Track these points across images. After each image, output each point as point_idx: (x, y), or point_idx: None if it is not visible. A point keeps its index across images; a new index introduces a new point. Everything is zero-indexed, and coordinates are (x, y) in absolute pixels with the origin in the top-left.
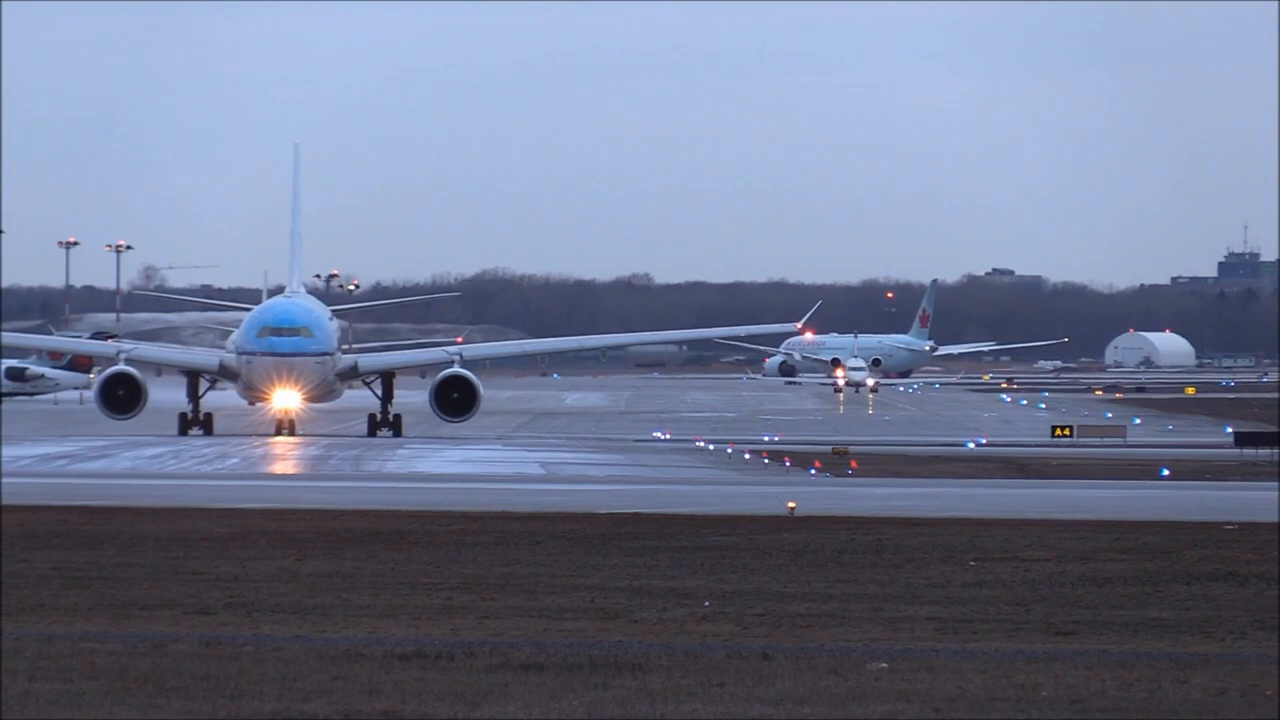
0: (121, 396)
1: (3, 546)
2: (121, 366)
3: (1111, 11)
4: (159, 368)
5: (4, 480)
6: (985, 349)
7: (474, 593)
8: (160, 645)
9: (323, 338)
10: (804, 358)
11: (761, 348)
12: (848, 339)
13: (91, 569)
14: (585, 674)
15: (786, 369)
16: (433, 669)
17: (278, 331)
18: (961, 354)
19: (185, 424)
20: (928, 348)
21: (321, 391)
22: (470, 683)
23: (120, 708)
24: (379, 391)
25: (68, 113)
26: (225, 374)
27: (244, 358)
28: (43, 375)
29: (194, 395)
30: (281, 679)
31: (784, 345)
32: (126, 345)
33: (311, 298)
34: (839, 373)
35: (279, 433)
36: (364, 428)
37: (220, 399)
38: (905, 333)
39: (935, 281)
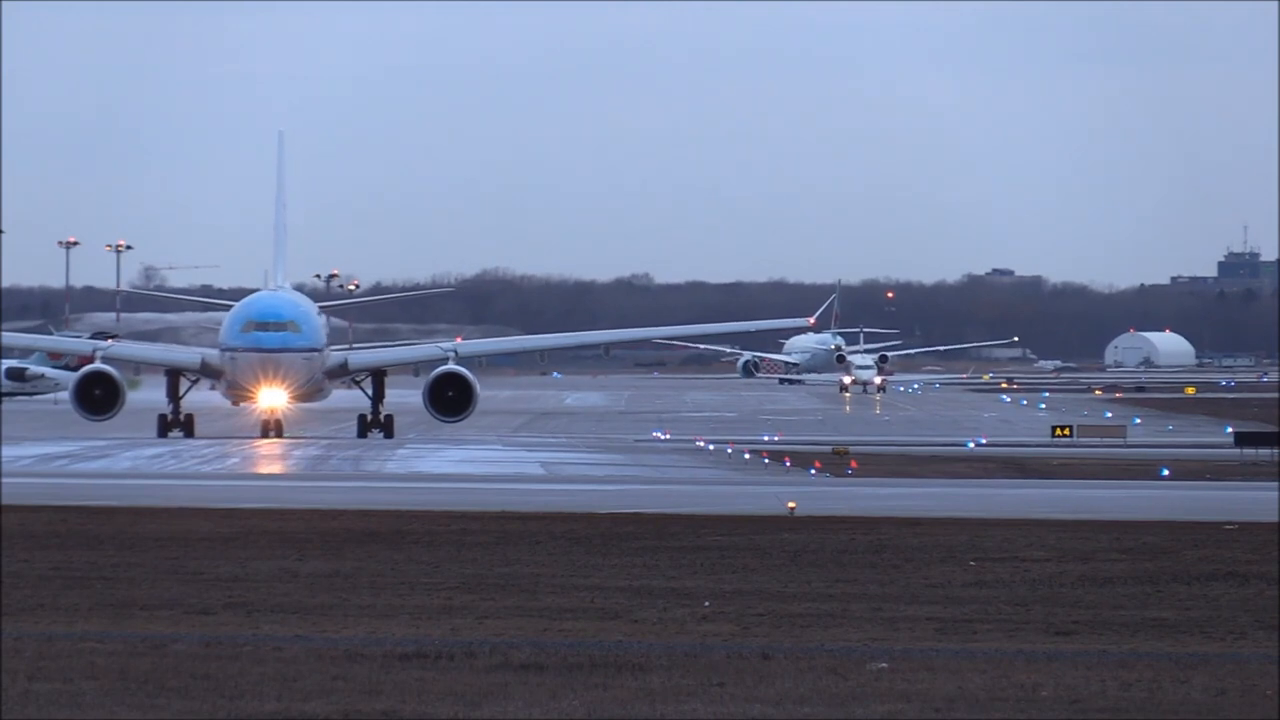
0: (98, 396)
1: (3, 546)
2: (98, 365)
3: (1112, 11)
4: (138, 366)
5: (4, 480)
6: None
7: (474, 593)
8: (160, 645)
9: (310, 333)
10: (757, 357)
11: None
12: (797, 339)
13: (91, 569)
14: (585, 674)
15: (750, 368)
16: (433, 669)
17: (263, 326)
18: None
19: (165, 426)
20: (833, 346)
21: (310, 390)
22: (470, 683)
23: (120, 708)
24: (369, 391)
25: (68, 112)
26: (207, 372)
27: (228, 354)
28: (43, 375)
29: (174, 395)
30: (281, 679)
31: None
32: (102, 343)
33: (298, 293)
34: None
35: (265, 434)
36: (354, 429)
37: (202, 399)
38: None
39: (839, 282)
